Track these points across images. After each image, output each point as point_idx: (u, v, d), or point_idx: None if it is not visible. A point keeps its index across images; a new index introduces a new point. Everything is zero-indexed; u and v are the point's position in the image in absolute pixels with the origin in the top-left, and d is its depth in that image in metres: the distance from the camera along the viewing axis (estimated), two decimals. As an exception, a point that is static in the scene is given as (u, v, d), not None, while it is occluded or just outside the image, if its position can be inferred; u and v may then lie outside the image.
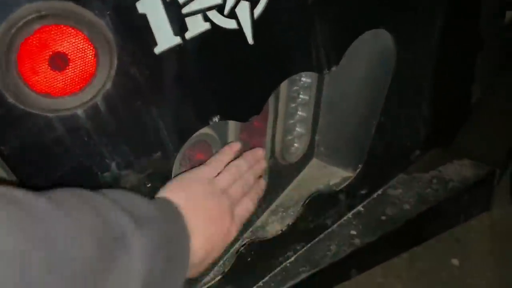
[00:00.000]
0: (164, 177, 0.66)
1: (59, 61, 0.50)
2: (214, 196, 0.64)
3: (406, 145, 1.07)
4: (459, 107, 1.17)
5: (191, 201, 0.60)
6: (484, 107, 1.17)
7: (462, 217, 1.12)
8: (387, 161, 1.04)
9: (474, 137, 1.15)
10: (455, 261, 1.43)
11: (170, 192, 0.62)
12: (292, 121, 0.96)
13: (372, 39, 0.82)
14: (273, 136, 0.91)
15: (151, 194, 0.65)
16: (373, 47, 0.85)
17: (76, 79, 0.51)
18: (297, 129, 0.99)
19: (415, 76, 0.96)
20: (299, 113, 0.96)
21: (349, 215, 1.02)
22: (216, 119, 0.67)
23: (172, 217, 0.57)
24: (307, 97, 0.95)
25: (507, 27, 1.25)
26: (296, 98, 0.94)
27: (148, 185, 0.64)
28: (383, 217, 1.01)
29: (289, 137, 0.98)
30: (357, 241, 0.98)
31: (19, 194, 0.40)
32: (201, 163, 0.77)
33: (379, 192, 1.06)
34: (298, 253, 0.96)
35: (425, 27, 0.90)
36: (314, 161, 1.06)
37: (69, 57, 0.50)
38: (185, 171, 0.68)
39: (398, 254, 1.07)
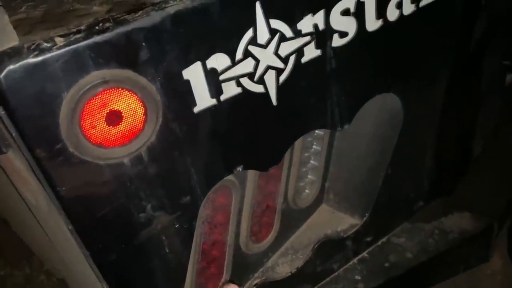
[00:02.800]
0: (191, 218, 0.73)
1: (114, 118, 0.58)
2: None
3: (410, 196, 1.14)
4: (460, 162, 1.24)
5: None
6: (483, 163, 1.24)
7: (462, 267, 1.18)
8: (392, 210, 1.11)
9: (473, 191, 1.21)
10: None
11: None
12: (304, 169, 1.04)
13: (381, 101, 0.91)
14: (287, 182, 0.99)
15: (178, 233, 0.72)
16: (382, 107, 0.94)
17: (127, 133, 0.59)
18: (309, 176, 1.06)
19: (420, 133, 1.04)
20: (312, 162, 1.04)
21: (355, 260, 1.08)
22: (240, 168, 0.74)
23: None
24: (319, 148, 1.02)
25: (507, 88, 1.33)
26: (310, 148, 1.02)
27: (176, 226, 0.71)
28: (387, 264, 1.07)
29: (301, 184, 1.05)
30: (361, 285, 1.04)
31: None
32: (222, 206, 0.84)
33: (384, 239, 1.12)
34: (305, 294, 1.02)
35: (429, 91, 0.99)
36: (323, 207, 1.13)
37: (123, 114, 0.58)
38: None
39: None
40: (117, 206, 0.64)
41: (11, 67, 0.50)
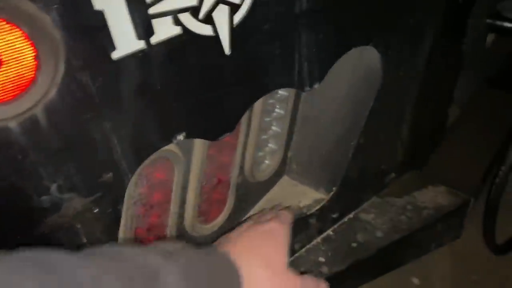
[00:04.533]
0: (115, 200, 0.56)
1: (-12, 62, 0.40)
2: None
3: (381, 168, 1.02)
4: (435, 130, 1.13)
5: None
6: (458, 134, 1.14)
7: (434, 245, 1.08)
8: (362, 183, 0.99)
9: (449, 163, 1.11)
10: (415, 280, 1.41)
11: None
12: (265, 136, 0.89)
13: (357, 57, 0.76)
14: (244, 151, 0.84)
15: (98, 220, 0.56)
16: (356, 65, 0.79)
17: (10, 85, 0.42)
18: (270, 145, 0.91)
19: (398, 97, 0.91)
20: (273, 128, 0.89)
21: (318, 239, 0.96)
22: (181, 137, 0.58)
23: (213, 251, 0.54)
24: (282, 112, 0.87)
25: (488, 50, 1.22)
26: (271, 112, 0.87)
27: (95, 211, 0.55)
28: (354, 244, 0.95)
29: (261, 154, 0.90)
30: (324, 269, 0.92)
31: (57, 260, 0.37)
32: (160, 182, 0.68)
33: (351, 215, 1.00)
34: (262, 279, 0.89)
35: (413, 46, 0.85)
36: (284, 179, 0.99)
37: (2, 58, 0.40)
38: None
39: (366, 282, 1.01)
40: (5, 186, 0.47)
41: None
